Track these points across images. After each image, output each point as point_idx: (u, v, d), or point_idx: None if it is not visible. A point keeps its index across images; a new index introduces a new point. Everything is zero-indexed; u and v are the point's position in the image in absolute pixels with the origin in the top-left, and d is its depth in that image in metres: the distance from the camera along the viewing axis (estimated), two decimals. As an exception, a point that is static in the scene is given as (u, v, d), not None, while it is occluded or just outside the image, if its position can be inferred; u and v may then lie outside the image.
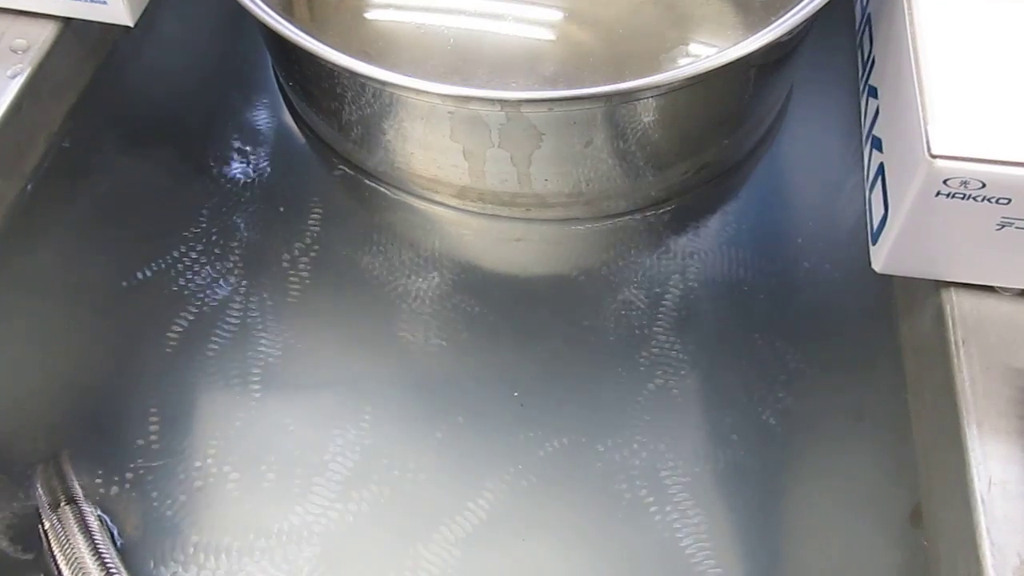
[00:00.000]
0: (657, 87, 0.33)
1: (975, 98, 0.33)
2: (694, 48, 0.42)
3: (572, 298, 0.40)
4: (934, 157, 0.32)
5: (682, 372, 0.38)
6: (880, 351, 0.39)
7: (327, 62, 0.34)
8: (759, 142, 0.44)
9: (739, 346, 0.39)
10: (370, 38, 0.44)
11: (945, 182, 0.32)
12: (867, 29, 0.43)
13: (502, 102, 0.33)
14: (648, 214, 0.42)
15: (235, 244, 0.41)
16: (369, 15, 0.45)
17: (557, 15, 0.44)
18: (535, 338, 0.39)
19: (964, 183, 0.32)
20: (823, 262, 0.41)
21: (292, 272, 0.40)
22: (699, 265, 0.41)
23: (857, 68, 0.45)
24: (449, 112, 0.36)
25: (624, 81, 0.34)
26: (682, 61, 0.42)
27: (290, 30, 0.34)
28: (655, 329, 0.39)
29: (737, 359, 0.39)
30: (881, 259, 0.36)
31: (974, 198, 0.32)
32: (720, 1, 0.43)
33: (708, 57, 0.33)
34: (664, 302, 0.40)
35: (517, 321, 0.39)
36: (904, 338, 0.39)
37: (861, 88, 0.43)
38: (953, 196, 0.33)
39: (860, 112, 0.43)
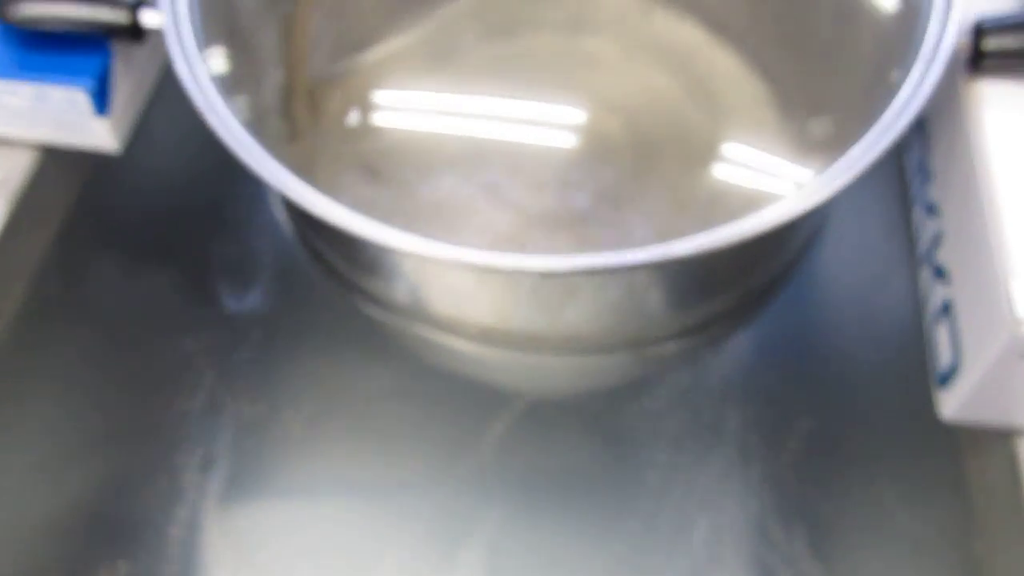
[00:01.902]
0: (713, 249, 0.29)
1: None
2: (725, 132, 0.40)
3: (606, 429, 0.37)
4: (1020, 322, 0.29)
5: (726, 500, 0.35)
6: (940, 481, 0.36)
7: (341, 230, 0.30)
8: (799, 253, 0.41)
9: (786, 471, 0.36)
10: (378, 148, 0.41)
11: (1032, 346, 0.29)
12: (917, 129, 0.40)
13: (540, 273, 0.30)
14: (686, 341, 0.39)
15: (240, 382, 0.38)
16: (376, 120, 0.42)
17: (581, 114, 0.41)
18: (569, 472, 0.36)
19: (1052, 347, 0.29)
20: (872, 380, 0.38)
21: (301, 410, 0.37)
22: (741, 388, 0.38)
23: (897, 167, 0.42)
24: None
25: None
26: (716, 147, 0.39)
27: (303, 199, 0.30)
28: (696, 456, 0.36)
29: (784, 486, 0.35)
30: (951, 409, 0.34)
31: (1061, 360, 0.30)
32: (751, 84, 0.41)
33: (770, 208, 0.30)
34: (704, 429, 0.37)
35: (548, 455, 0.36)
36: (971, 474, 0.36)
37: (912, 195, 0.40)
38: (1039, 358, 0.30)
39: (910, 222, 0.40)
